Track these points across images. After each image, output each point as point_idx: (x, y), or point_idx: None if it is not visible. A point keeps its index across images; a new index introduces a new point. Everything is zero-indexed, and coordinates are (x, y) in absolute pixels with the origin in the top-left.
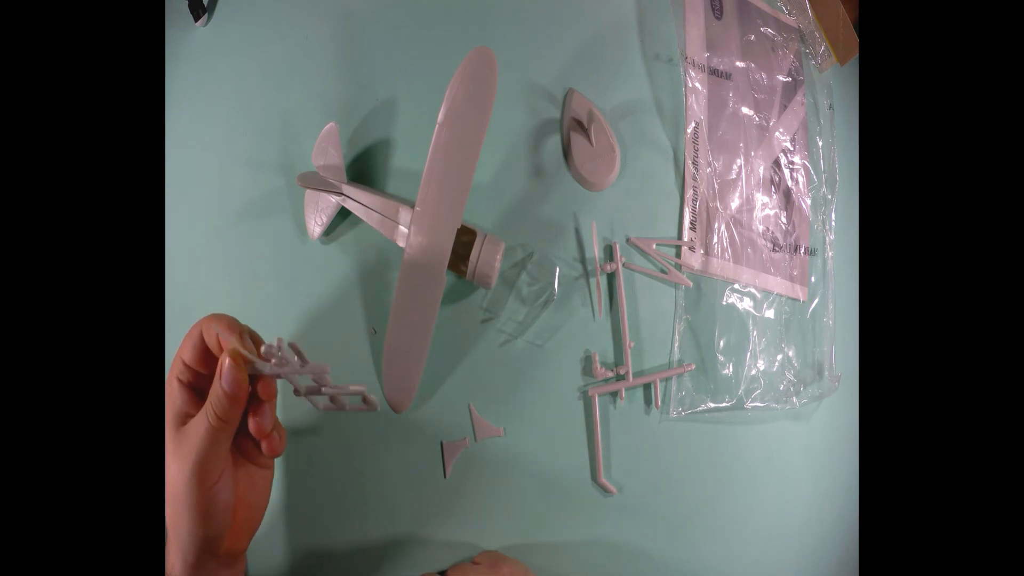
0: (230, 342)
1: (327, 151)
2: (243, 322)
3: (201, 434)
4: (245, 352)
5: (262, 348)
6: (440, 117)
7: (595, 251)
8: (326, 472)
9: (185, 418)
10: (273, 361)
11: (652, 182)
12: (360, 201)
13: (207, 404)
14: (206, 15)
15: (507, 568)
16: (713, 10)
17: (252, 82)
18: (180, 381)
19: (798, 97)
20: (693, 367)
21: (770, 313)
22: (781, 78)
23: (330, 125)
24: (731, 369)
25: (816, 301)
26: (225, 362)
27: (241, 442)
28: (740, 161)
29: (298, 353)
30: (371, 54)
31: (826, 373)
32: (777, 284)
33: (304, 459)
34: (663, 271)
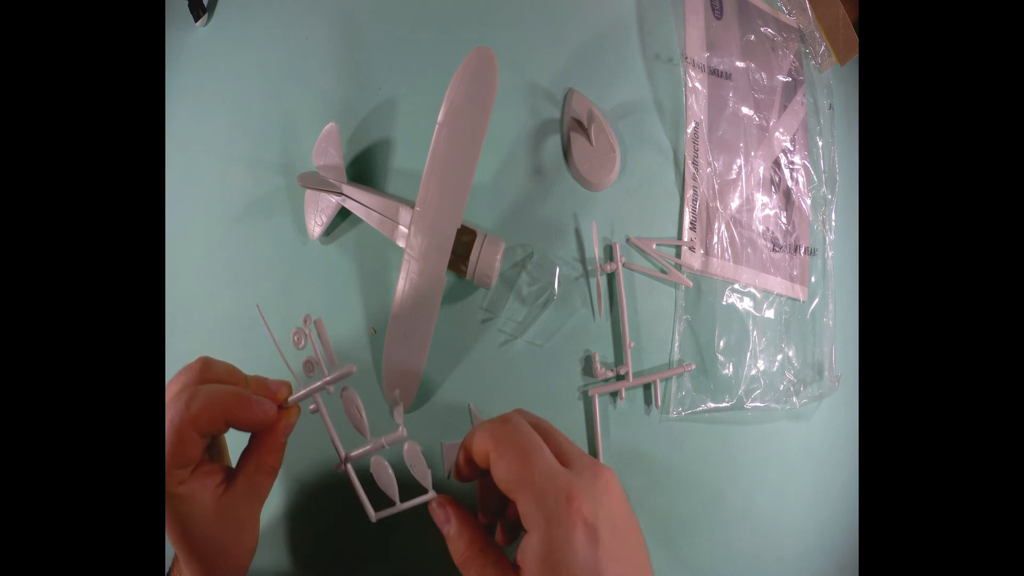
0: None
1: (327, 151)
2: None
3: (266, 481)
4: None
5: (303, 363)
6: (440, 117)
7: (595, 251)
8: (325, 472)
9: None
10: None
11: (652, 182)
12: (360, 201)
13: (262, 455)
14: (206, 15)
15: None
16: (713, 10)
17: (252, 82)
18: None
19: (798, 97)
20: (693, 367)
21: (770, 313)
22: (781, 78)
23: (330, 125)
24: (731, 369)
25: (816, 301)
26: (288, 419)
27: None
28: (740, 161)
29: (322, 339)
30: (371, 54)
31: (826, 373)
32: (777, 284)
33: (303, 459)
34: (663, 271)
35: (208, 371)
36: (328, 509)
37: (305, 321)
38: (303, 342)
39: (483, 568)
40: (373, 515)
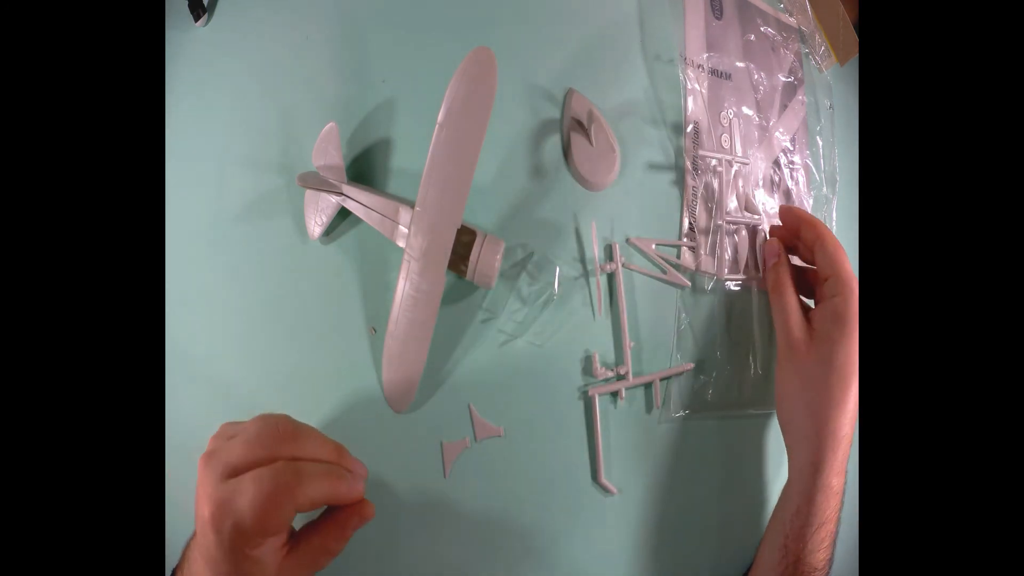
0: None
1: (327, 151)
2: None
3: (325, 562)
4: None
5: None
6: (440, 117)
7: (595, 251)
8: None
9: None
10: None
11: (652, 182)
12: (360, 201)
13: (328, 541)
14: (206, 15)
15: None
16: (713, 10)
17: (252, 82)
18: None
19: (798, 97)
20: (693, 367)
21: None
22: (781, 78)
23: (330, 125)
24: (731, 369)
25: None
26: (364, 515)
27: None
28: None
29: None
30: (371, 54)
31: None
32: None
33: None
34: (663, 271)
35: (301, 437)
36: None
37: None
38: None
39: (792, 289)
40: None
